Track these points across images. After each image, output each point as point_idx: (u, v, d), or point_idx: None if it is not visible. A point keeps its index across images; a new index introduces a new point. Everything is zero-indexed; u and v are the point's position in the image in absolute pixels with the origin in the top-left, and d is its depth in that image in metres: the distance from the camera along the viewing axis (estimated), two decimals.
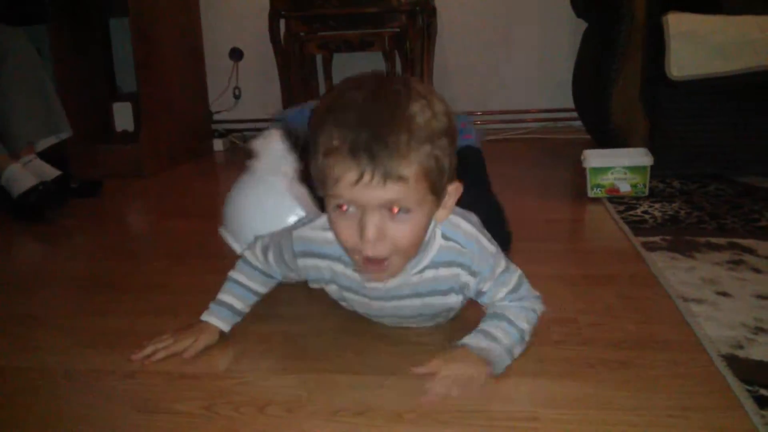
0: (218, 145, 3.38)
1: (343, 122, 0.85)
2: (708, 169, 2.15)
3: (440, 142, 0.87)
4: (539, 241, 1.62)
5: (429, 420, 0.87)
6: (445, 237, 1.00)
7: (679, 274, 1.33)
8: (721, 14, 2.14)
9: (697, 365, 0.98)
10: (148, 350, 1.09)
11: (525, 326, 1.01)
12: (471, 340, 1.00)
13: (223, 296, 1.16)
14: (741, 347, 1.01)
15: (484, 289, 1.02)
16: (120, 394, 1.00)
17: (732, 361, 0.97)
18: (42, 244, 1.92)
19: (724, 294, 1.22)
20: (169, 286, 1.44)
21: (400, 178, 0.84)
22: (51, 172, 2.29)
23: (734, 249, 1.46)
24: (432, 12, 3.02)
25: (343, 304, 1.14)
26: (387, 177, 0.83)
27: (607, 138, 2.23)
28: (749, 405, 0.86)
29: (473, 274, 1.00)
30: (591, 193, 1.95)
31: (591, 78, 2.41)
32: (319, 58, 3.19)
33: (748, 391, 0.89)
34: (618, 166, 1.92)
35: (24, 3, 2.89)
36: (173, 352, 1.09)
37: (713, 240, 1.53)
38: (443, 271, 1.01)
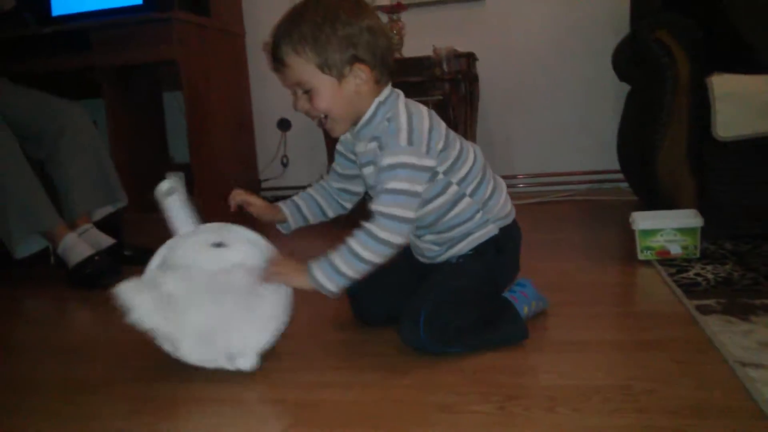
0: None
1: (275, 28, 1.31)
2: (759, 230, 2.12)
3: (323, 35, 1.25)
4: (589, 305, 1.61)
5: None
6: (390, 120, 1.31)
7: (736, 338, 1.30)
8: (765, 74, 2.14)
9: None
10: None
11: (358, 250, 1.29)
12: (312, 262, 1.32)
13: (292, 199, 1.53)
14: None
15: (383, 164, 1.28)
16: None
17: None
18: (96, 312, 1.96)
19: None
20: None
21: (285, 66, 1.29)
22: (105, 241, 2.36)
23: None
24: (474, 79, 3.08)
25: None
26: (278, 65, 1.31)
27: (654, 199, 2.21)
28: None
29: (381, 147, 1.31)
30: (641, 256, 1.93)
31: (636, 140, 2.41)
32: None
33: None
34: (668, 228, 1.91)
35: (80, 79, 3.04)
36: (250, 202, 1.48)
37: None
38: (371, 146, 1.34)
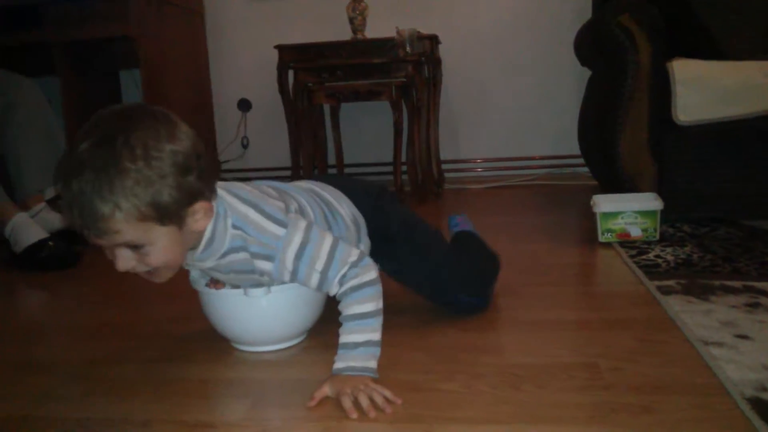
0: None
1: (64, 178, 0.95)
2: (716, 213, 2.16)
3: (154, 188, 0.96)
4: (552, 285, 1.62)
5: None
6: (234, 227, 1.10)
7: (697, 317, 1.32)
8: (725, 60, 2.17)
9: (721, 409, 0.97)
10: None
11: (367, 308, 1.11)
12: (336, 365, 1.09)
13: None
14: (765, 389, 1.00)
15: (293, 269, 1.11)
16: None
17: (756, 403, 0.96)
18: (47, 292, 1.91)
19: (744, 337, 1.21)
20: (177, 333, 1.43)
21: (114, 232, 0.97)
22: (60, 222, 2.29)
23: (750, 292, 1.46)
24: (437, 62, 3.07)
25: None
26: (101, 233, 0.97)
27: (615, 183, 2.23)
28: None
29: (267, 258, 1.11)
30: (602, 238, 1.95)
31: (597, 124, 2.43)
32: (326, 108, 3.23)
33: None
34: (628, 211, 1.93)
35: (34, 54, 2.95)
36: None
37: (728, 283, 1.52)
38: (239, 256, 1.13)
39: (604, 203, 1.96)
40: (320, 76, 2.89)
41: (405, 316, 1.40)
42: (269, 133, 3.46)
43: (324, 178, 1.40)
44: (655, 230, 1.93)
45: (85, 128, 0.98)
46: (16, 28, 2.81)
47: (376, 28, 3.03)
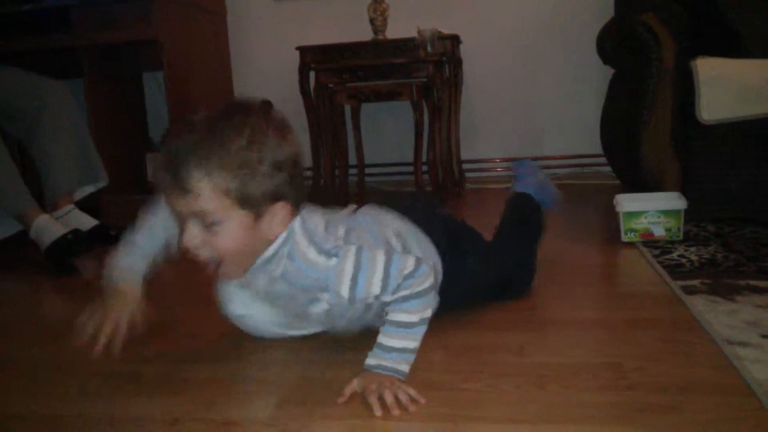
0: None
1: (170, 134, 1.03)
2: (741, 213, 2.14)
3: (246, 171, 1.00)
4: (577, 285, 1.61)
5: None
6: (289, 257, 1.13)
7: (721, 317, 1.31)
8: (749, 58, 2.15)
9: (747, 409, 0.97)
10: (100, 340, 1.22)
11: (413, 319, 1.11)
12: (368, 360, 1.11)
13: (119, 262, 1.35)
14: None
15: (349, 297, 1.12)
16: None
17: None
18: (77, 293, 1.93)
19: None
20: (204, 333, 1.45)
21: (197, 196, 0.99)
22: (89, 222, 2.32)
23: None
24: (458, 62, 3.07)
25: None
26: (183, 193, 1.00)
27: (638, 182, 2.22)
28: None
29: (321, 289, 1.14)
30: (625, 238, 1.94)
31: (621, 123, 2.42)
32: (347, 108, 3.24)
33: None
34: (652, 210, 1.92)
35: (59, 58, 2.99)
36: (115, 327, 1.24)
37: (753, 283, 1.51)
38: (290, 286, 1.16)
39: (627, 202, 1.95)
40: (341, 77, 2.90)
41: None
42: None
43: (411, 211, 1.38)
44: (679, 230, 1.92)
45: (210, 110, 1.05)
46: (44, 32, 2.85)
47: (397, 29, 3.03)
